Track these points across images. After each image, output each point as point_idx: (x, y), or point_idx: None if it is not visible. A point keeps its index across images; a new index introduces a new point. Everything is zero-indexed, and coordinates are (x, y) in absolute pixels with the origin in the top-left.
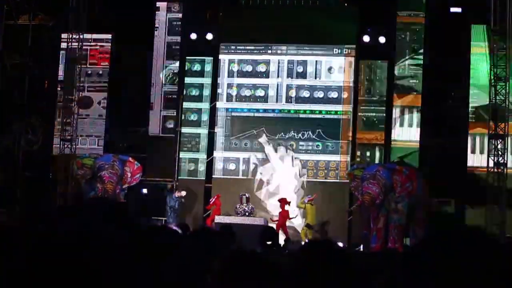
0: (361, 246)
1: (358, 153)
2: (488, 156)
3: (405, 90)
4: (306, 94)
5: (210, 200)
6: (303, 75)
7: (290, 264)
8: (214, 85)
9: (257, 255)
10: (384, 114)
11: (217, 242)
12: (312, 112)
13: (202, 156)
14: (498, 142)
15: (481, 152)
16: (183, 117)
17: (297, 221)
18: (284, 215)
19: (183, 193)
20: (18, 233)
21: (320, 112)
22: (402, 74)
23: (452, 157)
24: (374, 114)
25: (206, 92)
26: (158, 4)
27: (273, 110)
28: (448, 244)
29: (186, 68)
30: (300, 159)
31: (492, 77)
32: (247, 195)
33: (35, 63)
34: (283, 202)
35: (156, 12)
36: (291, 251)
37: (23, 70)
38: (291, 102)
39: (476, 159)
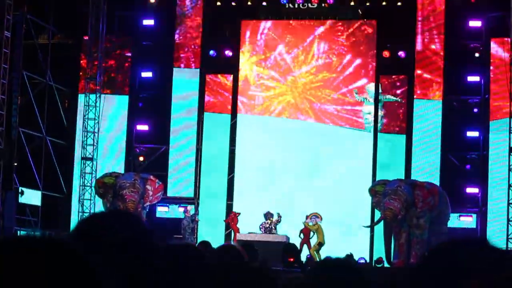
0: (384, 262)
1: None
2: None
3: None
4: None
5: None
6: None
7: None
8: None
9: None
10: None
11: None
12: None
13: (223, 173)
14: None
15: None
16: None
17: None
18: (306, 233)
19: (188, 208)
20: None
21: None
22: None
23: None
24: None
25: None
26: None
27: None
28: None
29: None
30: None
31: None
32: (271, 212)
33: (55, 81)
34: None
35: None
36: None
37: (44, 88)
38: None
39: None
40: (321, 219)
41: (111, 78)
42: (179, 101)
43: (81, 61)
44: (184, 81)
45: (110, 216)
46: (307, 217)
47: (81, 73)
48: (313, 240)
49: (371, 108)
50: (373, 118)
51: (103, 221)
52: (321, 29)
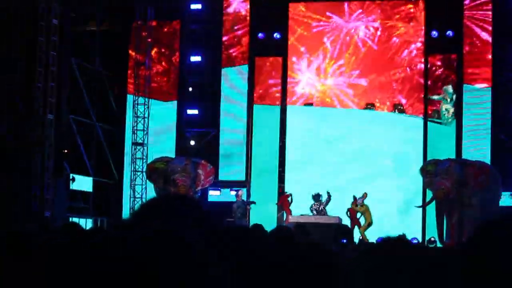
0: (437, 242)
1: None
2: None
3: None
4: None
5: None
6: None
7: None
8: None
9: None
10: None
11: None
12: None
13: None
14: None
15: None
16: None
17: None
18: (353, 214)
19: (240, 193)
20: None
21: None
22: None
23: None
24: None
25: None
26: None
27: None
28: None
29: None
30: None
31: None
32: (319, 193)
33: (104, 68)
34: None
35: None
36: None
37: (93, 75)
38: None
39: None
40: (366, 196)
41: (160, 62)
42: (228, 84)
43: (130, 48)
44: (232, 70)
45: (173, 199)
46: (355, 199)
47: (130, 60)
48: (362, 221)
49: (448, 107)
50: (450, 115)
51: (167, 204)
52: (366, 9)
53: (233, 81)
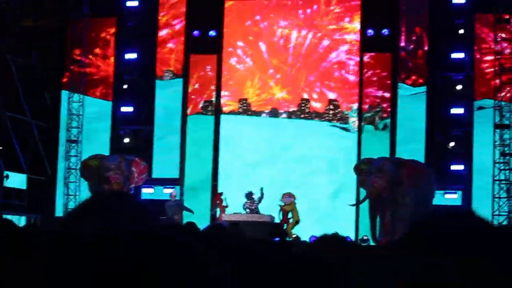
0: (369, 241)
1: None
2: None
3: None
4: None
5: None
6: None
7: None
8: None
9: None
10: None
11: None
12: None
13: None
14: None
15: None
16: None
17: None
18: (284, 212)
19: (173, 193)
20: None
21: None
22: None
23: None
24: None
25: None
26: None
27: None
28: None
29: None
30: None
31: None
32: (252, 192)
33: (39, 64)
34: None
35: None
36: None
37: (28, 71)
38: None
39: None
40: (295, 197)
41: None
42: (163, 81)
43: (65, 45)
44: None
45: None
46: (283, 196)
47: (65, 56)
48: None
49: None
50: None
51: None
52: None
53: (169, 78)
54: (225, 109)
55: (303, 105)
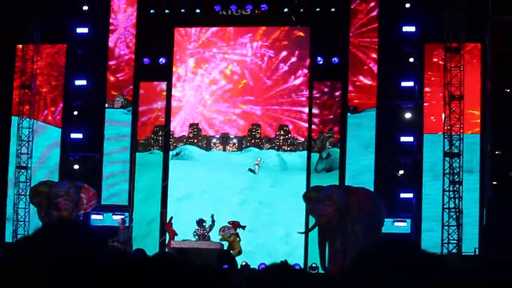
0: (319, 268)
1: None
2: None
3: None
4: None
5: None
6: None
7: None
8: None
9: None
10: None
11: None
12: None
13: (158, 180)
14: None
15: None
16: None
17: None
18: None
19: (119, 219)
20: None
21: None
22: None
23: None
24: None
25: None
26: None
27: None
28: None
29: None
30: None
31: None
32: (203, 219)
33: None
34: (235, 225)
35: None
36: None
37: None
38: None
39: None
40: (236, 228)
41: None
42: (113, 109)
43: (15, 70)
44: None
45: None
46: (220, 230)
47: (14, 82)
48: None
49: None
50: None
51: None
52: (253, 35)
53: (120, 104)
54: (176, 135)
55: (253, 130)
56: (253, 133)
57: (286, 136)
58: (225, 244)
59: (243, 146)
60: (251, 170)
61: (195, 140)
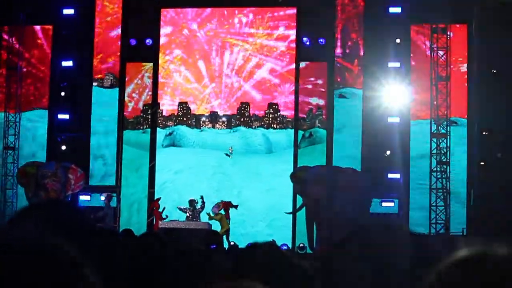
0: (306, 249)
1: None
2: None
3: None
4: None
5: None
6: None
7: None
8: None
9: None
10: None
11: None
12: None
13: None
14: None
15: None
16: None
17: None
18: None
19: (106, 201)
20: None
21: None
22: None
23: None
24: None
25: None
26: None
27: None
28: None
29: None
30: None
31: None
32: (194, 199)
33: None
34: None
35: None
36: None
37: None
38: None
39: None
40: (224, 206)
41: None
42: (100, 89)
43: (1, 51)
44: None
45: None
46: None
47: (1, 64)
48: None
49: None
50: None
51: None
52: (240, 17)
53: (108, 84)
54: (165, 112)
55: (242, 109)
56: (242, 112)
57: (276, 114)
58: (214, 224)
59: (232, 124)
60: (227, 155)
61: (184, 119)
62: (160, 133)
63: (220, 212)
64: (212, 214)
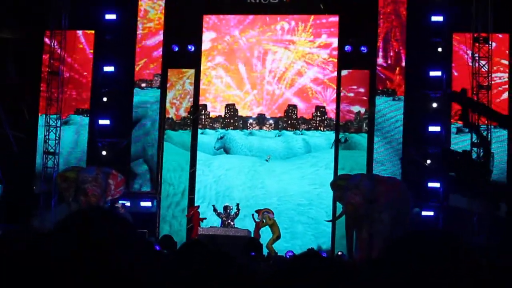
0: (345, 257)
1: None
2: None
3: None
4: None
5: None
6: None
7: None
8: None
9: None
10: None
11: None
12: None
13: (185, 167)
14: None
15: None
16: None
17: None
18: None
19: (120, 206)
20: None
21: None
22: None
23: None
24: None
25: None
26: None
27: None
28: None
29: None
30: None
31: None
32: (229, 205)
33: (16, 76)
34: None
35: None
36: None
37: (5, 83)
38: None
39: None
40: (273, 214)
41: (74, 72)
42: (141, 95)
43: (44, 56)
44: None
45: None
46: (258, 213)
47: (43, 68)
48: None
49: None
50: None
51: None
52: (283, 24)
53: (147, 91)
54: (212, 114)
55: (290, 111)
56: (289, 114)
57: (324, 117)
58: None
59: (280, 127)
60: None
61: (231, 121)
62: (209, 135)
63: (271, 218)
64: (264, 221)
